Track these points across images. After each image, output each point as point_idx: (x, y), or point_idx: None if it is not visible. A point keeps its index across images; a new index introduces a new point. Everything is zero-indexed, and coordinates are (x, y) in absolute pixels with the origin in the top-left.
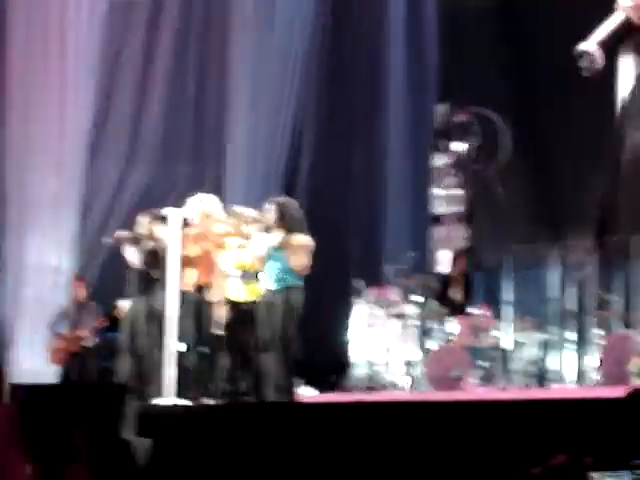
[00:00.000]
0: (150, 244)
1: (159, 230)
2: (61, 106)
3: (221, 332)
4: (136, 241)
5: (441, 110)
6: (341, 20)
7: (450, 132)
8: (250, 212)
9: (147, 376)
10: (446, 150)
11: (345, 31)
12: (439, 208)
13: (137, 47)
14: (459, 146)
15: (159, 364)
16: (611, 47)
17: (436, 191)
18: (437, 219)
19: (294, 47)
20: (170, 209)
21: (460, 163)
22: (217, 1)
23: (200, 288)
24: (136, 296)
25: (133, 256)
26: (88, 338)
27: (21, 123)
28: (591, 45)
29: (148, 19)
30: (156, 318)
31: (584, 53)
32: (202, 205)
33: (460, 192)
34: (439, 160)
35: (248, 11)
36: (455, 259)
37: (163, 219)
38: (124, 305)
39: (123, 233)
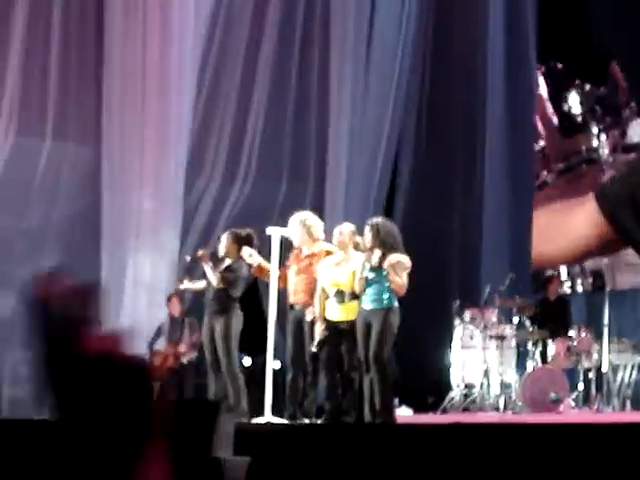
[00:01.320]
0: (229, 262)
1: (244, 250)
2: (160, 125)
3: (317, 351)
4: (216, 259)
5: None
6: (440, 43)
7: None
8: (349, 228)
9: (233, 394)
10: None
11: (444, 54)
12: None
13: (237, 64)
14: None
15: (240, 382)
16: None
17: None
18: None
19: (395, 69)
20: (273, 228)
21: None
22: (319, 19)
23: (293, 306)
24: (213, 315)
25: (211, 274)
26: (186, 354)
27: (120, 142)
28: None
29: (248, 37)
30: (234, 336)
31: None
32: (304, 223)
33: None
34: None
35: (349, 31)
36: (550, 281)
37: (246, 238)
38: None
39: (203, 251)
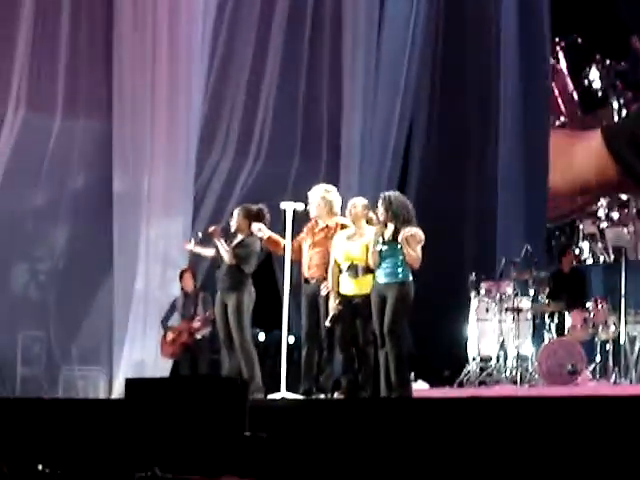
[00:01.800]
0: (241, 238)
1: (253, 225)
2: (172, 104)
3: (331, 325)
4: (228, 235)
5: None
6: (452, 20)
7: None
8: (362, 202)
9: (247, 370)
10: None
11: (457, 31)
12: None
13: (249, 41)
14: None
15: (253, 358)
16: None
17: None
18: None
19: (407, 45)
20: (287, 203)
21: None
22: (329, 1)
23: (308, 280)
24: (226, 291)
25: (223, 250)
26: (200, 330)
27: (130, 120)
28: None
29: (259, 15)
30: (246, 312)
31: None
32: (325, 196)
33: None
34: None
35: (360, 10)
36: (564, 253)
37: (257, 214)
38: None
39: (215, 226)
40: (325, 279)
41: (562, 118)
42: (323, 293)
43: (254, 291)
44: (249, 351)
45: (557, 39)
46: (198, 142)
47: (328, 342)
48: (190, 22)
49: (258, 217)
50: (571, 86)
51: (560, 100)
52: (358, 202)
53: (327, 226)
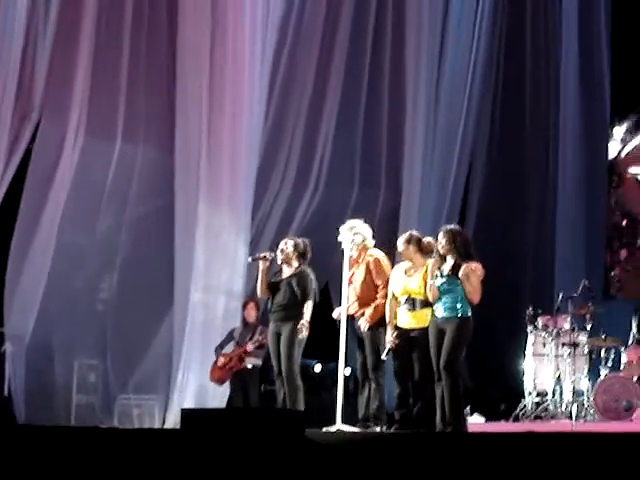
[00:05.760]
0: (295, 271)
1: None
2: (232, 134)
3: (386, 358)
4: (272, 262)
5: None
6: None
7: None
8: (404, 237)
9: (289, 402)
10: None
11: (516, 62)
12: None
13: (309, 70)
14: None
15: (298, 391)
16: None
17: None
18: None
19: (469, 71)
20: (344, 234)
21: None
22: (391, 24)
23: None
24: (280, 321)
25: (260, 279)
26: (251, 355)
27: (190, 148)
28: None
29: (320, 42)
30: (297, 344)
31: None
32: (354, 231)
33: None
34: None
35: (422, 38)
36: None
37: (304, 249)
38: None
39: (266, 253)
40: (362, 314)
41: None
42: (363, 328)
43: (309, 323)
44: (295, 383)
45: None
46: (257, 172)
47: (375, 375)
48: (251, 52)
49: (305, 251)
50: None
51: None
52: (401, 239)
53: (355, 260)
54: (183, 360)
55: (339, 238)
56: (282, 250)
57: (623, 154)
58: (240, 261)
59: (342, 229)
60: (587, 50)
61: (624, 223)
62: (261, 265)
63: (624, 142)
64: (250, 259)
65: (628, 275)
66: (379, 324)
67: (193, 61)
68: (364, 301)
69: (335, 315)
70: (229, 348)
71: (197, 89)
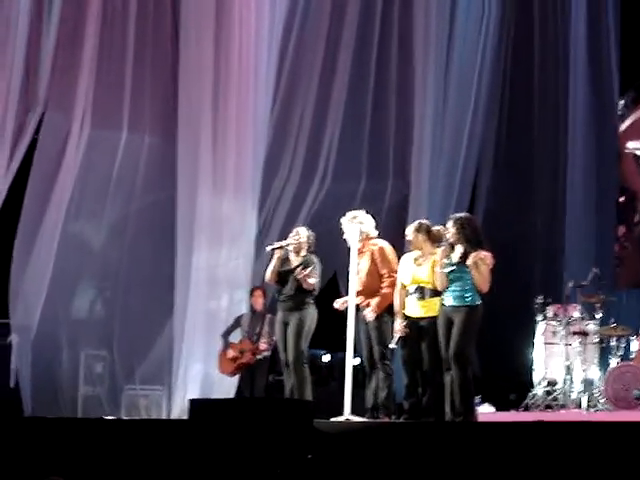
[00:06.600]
0: (302, 260)
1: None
2: (237, 123)
3: (396, 347)
4: (288, 251)
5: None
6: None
7: None
8: (413, 226)
9: (297, 392)
10: None
11: (525, 57)
12: None
13: (315, 66)
14: None
15: (306, 381)
16: None
17: None
18: None
19: (477, 64)
20: (351, 225)
21: None
22: (399, 16)
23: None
24: (288, 311)
25: (271, 266)
26: (263, 352)
27: (195, 140)
28: None
29: (326, 34)
30: (305, 334)
31: None
32: (357, 220)
33: None
34: None
35: (430, 30)
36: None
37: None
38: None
39: (280, 243)
40: (368, 304)
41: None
42: (369, 318)
43: (317, 313)
44: (302, 373)
45: None
46: (264, 164)
47: (382, 364)
48: (257, 43)
49: (314, 242)
50: None
51: None
52: (410, 229)
53: (359, 250)
54: (187, 349)
55: (344, 229)
56: (295, 238)
57: (621, 129)
58: (246, 250)
59: (344, 221)
60: (595, 39)
61: (622, 199)
62: (277, 253)
63: (622, 117)
64: (269, 249)
65: (626, 251)
66: (385, 314)
67: (198, 50)
68: (369, 291)
69: (336, 305)
70: (235, 335)
71: (202, 82)
